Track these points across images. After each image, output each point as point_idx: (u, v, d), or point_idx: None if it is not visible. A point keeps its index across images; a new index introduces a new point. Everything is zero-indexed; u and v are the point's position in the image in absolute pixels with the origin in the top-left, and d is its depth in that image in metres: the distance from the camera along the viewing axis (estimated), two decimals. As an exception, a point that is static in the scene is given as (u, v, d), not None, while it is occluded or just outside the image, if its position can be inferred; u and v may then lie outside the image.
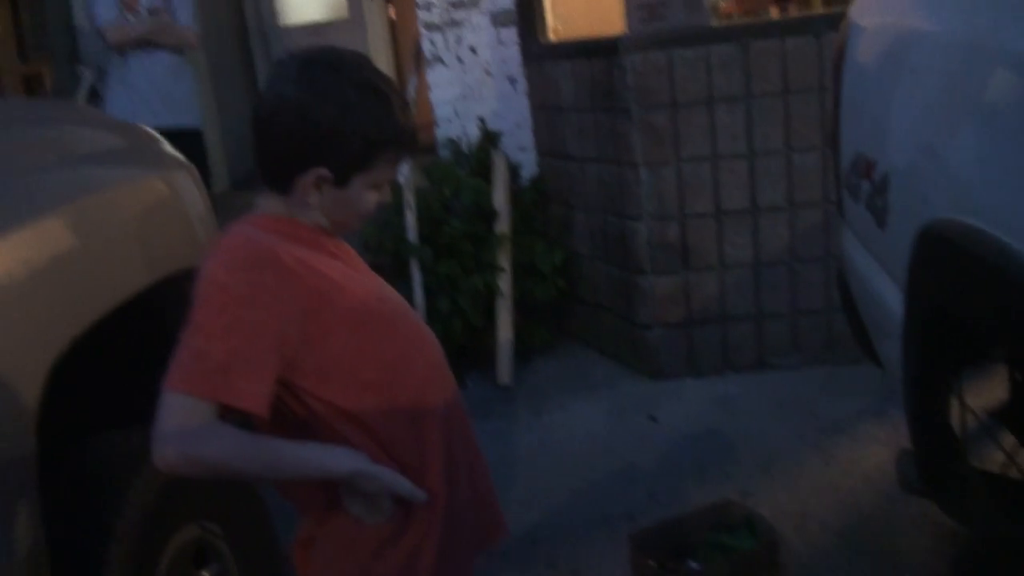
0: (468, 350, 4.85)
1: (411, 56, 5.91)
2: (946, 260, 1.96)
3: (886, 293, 2.38)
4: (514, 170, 5.40)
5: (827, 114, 3.24)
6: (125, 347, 2.25)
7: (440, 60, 5.56)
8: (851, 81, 2.69)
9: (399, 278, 4.71)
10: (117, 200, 2.20)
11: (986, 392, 2.45)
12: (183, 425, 1.45)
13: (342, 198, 1.63)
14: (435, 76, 5.59)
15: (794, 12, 8.05)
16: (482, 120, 5.48)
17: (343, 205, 1.64)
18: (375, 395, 1.63)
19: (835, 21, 3.08)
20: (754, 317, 4.56)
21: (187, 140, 3.68)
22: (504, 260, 4.96)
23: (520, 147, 5.46)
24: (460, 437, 1.77)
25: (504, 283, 4.92)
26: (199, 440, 1.47)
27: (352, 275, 1.67)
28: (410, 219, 4.81)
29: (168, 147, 2.64)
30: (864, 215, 2.51)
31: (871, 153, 2.46)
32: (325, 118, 1.56)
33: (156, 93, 4.95)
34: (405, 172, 4.75)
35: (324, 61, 1.60)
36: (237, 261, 1.53)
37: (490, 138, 5.42)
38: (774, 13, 8.20)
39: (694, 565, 3.06)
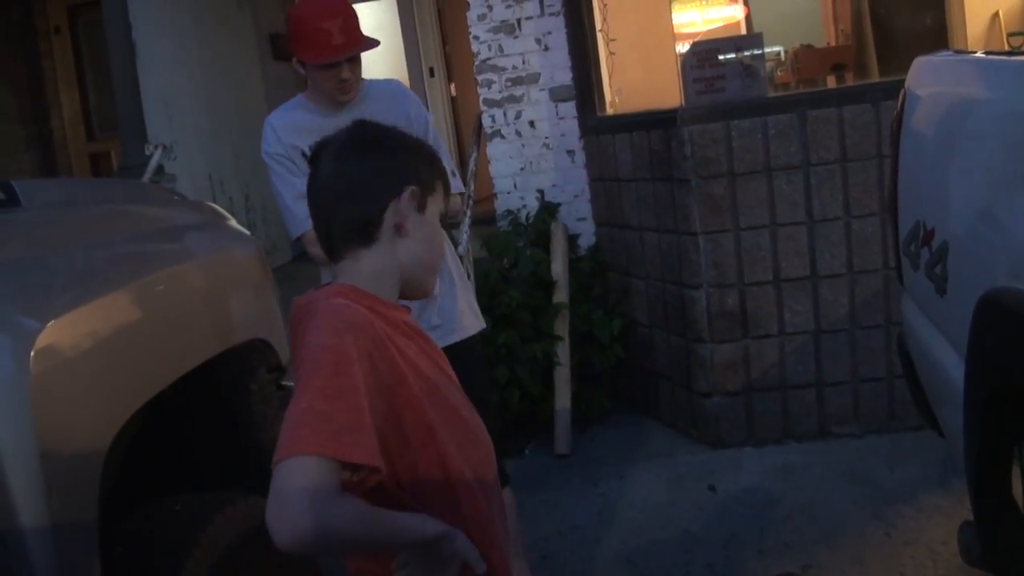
0: (526, 419, 4.85)
1: (472, 131, 6.01)
2: (1006, 328, 1.94)
3: (947, 361, 2.35)
4: (572, 240, 5.44)
5: (885, 181, 3.24)
6: (187, 417, 2.29)
7: (500, 135, 5.65)
8: (909, 149, 2.69)
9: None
10: (184, 274, 2.26)
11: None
12: (316, 489, 1.38)
13: (424, 227, 1.70)
14: (495, 150, 5.67)
15: (851, 81, 8.10)
16: (541, 192, 5.55)
17: (426, 238, 1.70)
18: (441, 471, 1.64)
19: (891, 89, 3.10)
20: (814, 385, 4.51)
21: None
22: (562, 329, 4.98)
23: (578, 217, 5.51)
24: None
25: (562, 352, 4.93)
26: (334, 506, 1.39)
27: (424, 360, 1.69)
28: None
29: (234, 223, 2.71)
30: (924, 283, 2.49)
31: (930, 221, 2.46)
32: (390, 145, 1.71)
33: None
34: (464, 243, 4.80)
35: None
36: (342, 325, 1.55)
37: (549, 209, 5.48)
38: (831, 82, 8.25)
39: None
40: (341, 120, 2.85)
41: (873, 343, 4.43)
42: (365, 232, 1.67)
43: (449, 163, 3.12)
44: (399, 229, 1.67)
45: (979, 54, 2.57)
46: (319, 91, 3.03)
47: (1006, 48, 7.05)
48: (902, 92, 2.77)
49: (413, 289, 1.75)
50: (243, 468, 2.08)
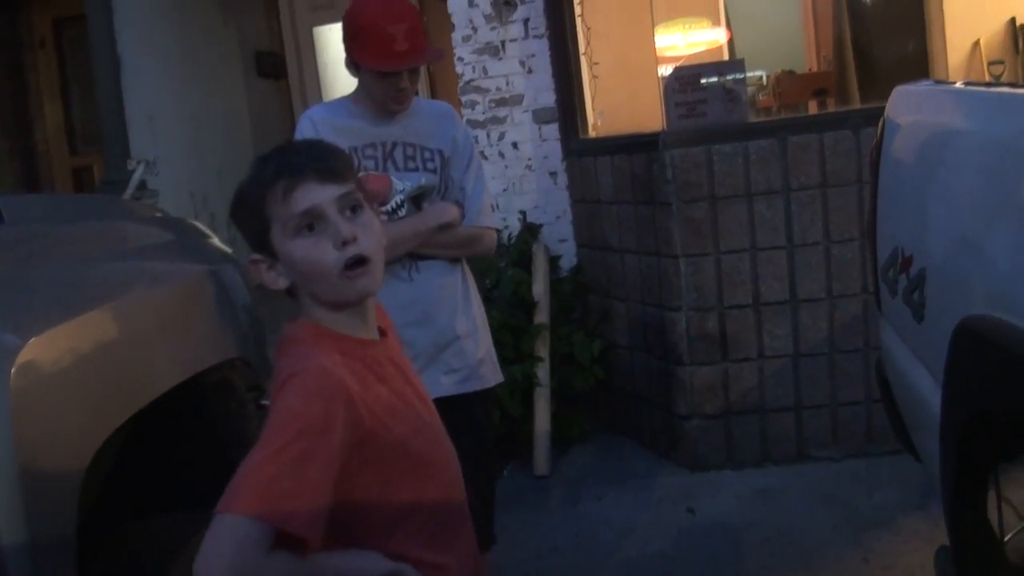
0: (505, 440, 4.85)
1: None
2: (983, 356, 1.96)
3: (924, 387, 2.37)
4: (554, 261, 5.45)
5: (865, 208, 3.26)
6: (166, 436, 2.29)
7: (483, 155, 5.66)
8: (888, 176, 2.71)
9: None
10: (165, 292, 2.26)
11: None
12: (243, 550, 1.40)
13: (289, 260, 1.64)
14: (477, 169, 5.69)
15: (832, 107, 8.16)
16: (523, 213, 5.56)
17: (298, 263, 1.63)
18: (377, 520, 1.65)
19: (872, 116, 3.12)
20: (793, 408, 4.54)
21: None
22: (543, 350, 4.99)
23: (560, 239, 5.53)
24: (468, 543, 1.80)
25: (542, 373, 4.94)
26: (260, 569, 1.42)
27: (396, 407, 1.68)
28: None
29: (216, 241, 2.72)
30: (902, 309, 2.51)
31: (908, 248, 2.48)
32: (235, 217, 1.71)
33: None
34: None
35: None
36: (315, 390, 1.53)
37: (531, 230, 5.50)
38: (812, 108, 8.31)
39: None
40: (389, 130, 2.84)
41: (852, 367, 4.45)
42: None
43: (480, 197, 2.96)
44: (271, 285, 1.68)
45: (958, 84, 2.60)
46: (370, 97, 2.83)
47: (987, 77, 7.12)
48: (882, 120, 2.79)
49: (351, 296, 1.67)
50: (222, 488, 2.07)
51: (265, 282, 1.67)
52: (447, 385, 2.89)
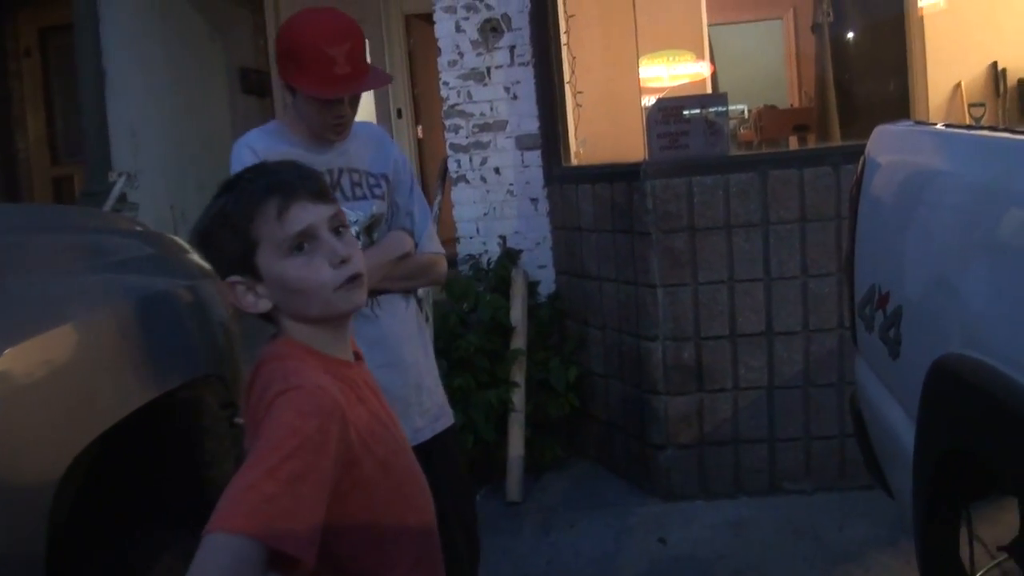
0: (479, 465, 4.84)
1: (437, 175, 6.05)
2: (957, 394, 1.97)
3: (898, 423, 2.39)
4: (532, 287, 5.46)
5: (843, 244, 3.29)
6: (138, 453, 2.27)
7: (465, 179, 5.68)
8: (867, 214, 2.74)
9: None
10: (140, 307, 2.24)
11: (996, 525, 2.43)
12: (235, 571, 1.36)
13: (277, 280, 1.62)
14: (459, 195, 5.71)
15: (812, 143, 8.23)
16: (503, 238, 5.58)
17: (286, 285, 1.62)
18: (367, 545, 1.64)
19: (852, 154, 3.15)
20: (767, 440, 4.55)
21: None
22: (519, 376, 4.98)
23: (539, 265, 5.55)
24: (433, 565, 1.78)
25: (518, 399, 4.94)
26: None
27: (376, 428, 1.67)
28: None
29: (194, 256, 2.70)
30: (877, 345, 2.53)
31: (885, 285, 2.50)
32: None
33: None
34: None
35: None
36: (310, 408, 1.51)
37: (510, 255, 5.51)
38: (793, 143, 8.39)
39: None
40: (331, 158, 2.61)
41: (826, 401, 4.47)
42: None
43: (427, 222, 2.79)
44: (248, 308, 1.65)
45: (939, 126, 2.63)
46: (307, 124, 2.58)
47: (967, 119, 7.19)
48: (862, 158, 2.82)
49: (345, 308, 1.67)
50: (194, 506, 2.06)
51: (243, 305, 1.64)
52: (424, 428, 2.78)
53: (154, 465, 2.36)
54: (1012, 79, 7.87)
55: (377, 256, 2.58)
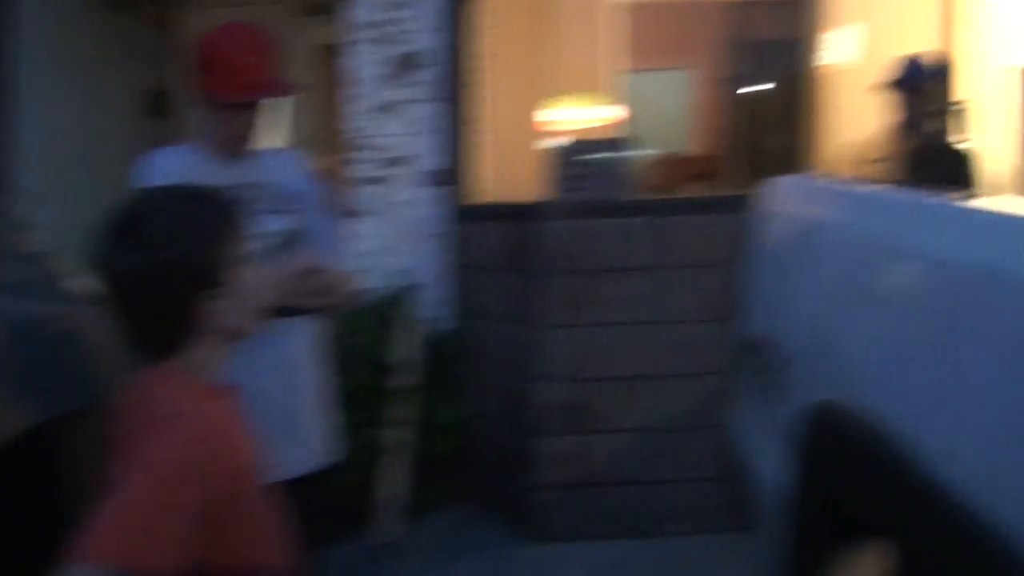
0: (358, 503, 4.75)
1: (339, 207, 5.98)
2: (833, 440, 2.00)
3: (774, 468, 2.41)
4: (425, 324, 5.41)
5: (731, 290, 3.33)
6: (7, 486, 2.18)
7: (368, 213, 5.63)
8: (756, 261, 2.78)
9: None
10: (14, 332, 2.17)
11: (867, 572, 2.46)
12: None
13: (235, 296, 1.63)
14: (361, 228, 5.64)
15: (712, 190, 8.37)
16: (401, 273, 5.52)
17: (241, 300, 1.64)
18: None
19: (745, 202, 3.20)
20: (646, 482, 4.57)
21: None
22: (405, 414, 4.91)
23: (436, 302, 5.50)
24: None
25: (403, 438, 4.87)
26: None
27: (252, 459, 1.65)
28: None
29: (79, 280, 2.62)
30: (758, 391, 2.56)
31: (768, 332, 2.53)
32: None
33: None
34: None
35: None
36: (188, 439, 1.49)
37: (407, 292, 5.45)
38: (693, 190, 8.52)
39: None
40: (244, 174, 2.58)
41: (706, 444, 4.49)
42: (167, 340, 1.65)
43: (337, 242, 2.82)
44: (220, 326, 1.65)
45: (828, 180, 2.69)
46: (217, 135, 2.59)
47: (861, 174, 7.38)
48: (755, 208, 2.87)
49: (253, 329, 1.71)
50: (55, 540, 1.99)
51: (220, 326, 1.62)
52: (301, 460, 2.71)
53: (18, 503, 2.26)
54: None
55: (284, 271, 2.52)
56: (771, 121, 9.16)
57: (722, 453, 3.01)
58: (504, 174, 5.96)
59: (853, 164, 7.49)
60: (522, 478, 4.72)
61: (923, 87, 4.12)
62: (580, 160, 4.76)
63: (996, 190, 8.35)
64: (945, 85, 4.16)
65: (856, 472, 1.90)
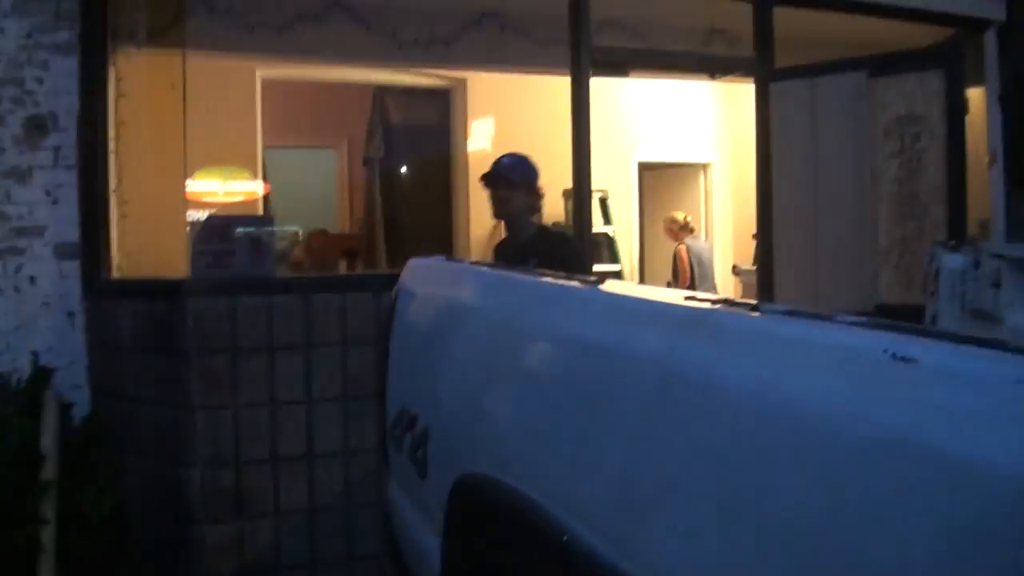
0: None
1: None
2: (477, 512, 2.10)
3: (426, 542, 2.48)
4: (67, 410, 5.10)
5: (379, 366, 3.41)
6: None
7: (-2, 288, 5.27)
8: (399, 340, 2.87)
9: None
10: None
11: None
12: None
13: None
14: (-11, 304, 5.27)
15: (359, 269, 8.51)
16: (35, 355, 5.18)
17: None
18: None
19: (393, 282, 3.30)
20: (309, 565, 4.53)
21: None
22: (48, 510, 4.60)
23: (75, 385, 5.20)
24: None
25: (47, 537, 4.54)
26: None
27: None
28: None
29: None
30: (407, 465, 2.64)
31: (414, 407, 2.62)
32: None
33: None
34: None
35: None
36: None
37: (43, 374, 5.12)
38: (341, 268, 8.62)
39: None
40: None
41: (367, 522, 4.54)
42: None
43: None
44: None
45: (466, 262, 2.84)
46: None
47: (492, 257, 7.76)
48: (396, 287, 2.97)
49: None
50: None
51: None
52: None
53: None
54: (547, 222, 8.62)
55: None
56: (416, 202, 9.45)
57: (385, 529, 3.06)
58: (145, 248, 5.76)
59: (485, 246, 7.89)
60: (184, 569, 4.52)
61: (513, 181, 4.39)
62: (225, 235, 4.70)
63: (625, 273, 9.03)
64: (529, 180, 4.43)
65: (503, 543, 2.00)
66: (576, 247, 4.73)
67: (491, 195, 4.46)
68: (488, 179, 4.48)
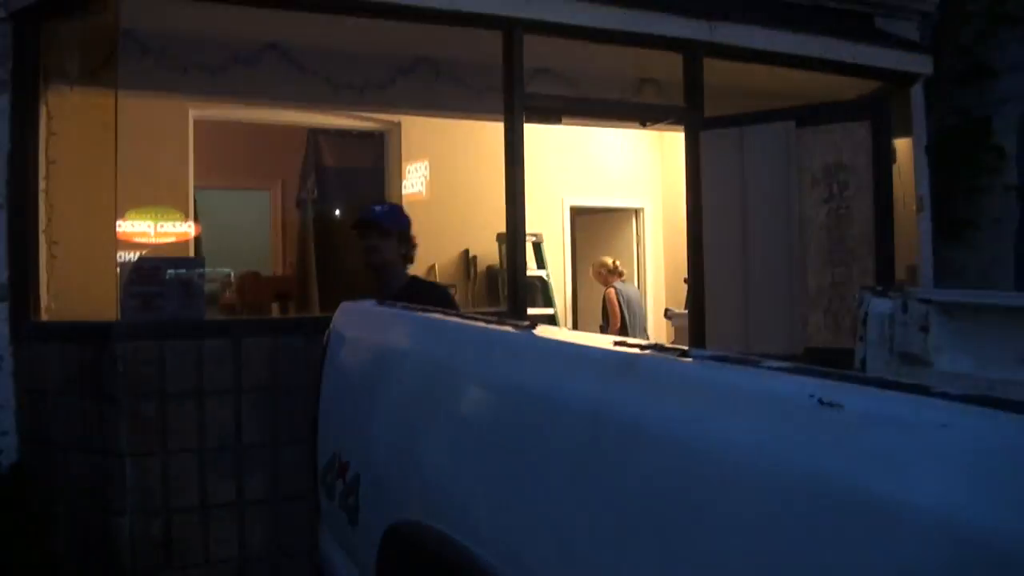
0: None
1: None
2: (409, 559, 2.08)
3: (358, 588, 2.46)
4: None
5: (310, 412, 3.38)
6: None
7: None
8: (330, 385, 2.85)
9: None
10: None
11: None
12: None
13: None
14: (-95, 349, 5.14)
15: (292, 311, 8.44)
16: (-47, 400, 5.07)
17: None
18: None
19: (326, 325, 3.28)
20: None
21: None
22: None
23: (2, 431, 5.07)
24: None
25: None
26: None
27: None
28: None
29: None
30: (338, 512, 2.61)
31: (346, 453, 2.60)
32: None
33: None
34: None
35: None
36: None
37: (-39, 420, 5.01)
38: (274, 310, 8.54)
39: None
40: None
41: (298, 571, 4.48)
42: None
43: None
44: None
45: (398, 306, 2.83)
46: None
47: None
48: (328, 331, 2.95)
49: None
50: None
51: None
52: None
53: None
54: (482, 265, 8.78)
55: None
56: (350, 245, 9.39)
57: None
58: (75, 290, 5.66)
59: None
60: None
61: (386, 229, 4.22)
62: (155, 278, 4.64)
63: (558, 316, 9.07)
64: (402, 228, 4.29)
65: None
66: (448, 298, 4.60)
67: (363, 243, 4.27)
68: (360, 227, 4.30)
